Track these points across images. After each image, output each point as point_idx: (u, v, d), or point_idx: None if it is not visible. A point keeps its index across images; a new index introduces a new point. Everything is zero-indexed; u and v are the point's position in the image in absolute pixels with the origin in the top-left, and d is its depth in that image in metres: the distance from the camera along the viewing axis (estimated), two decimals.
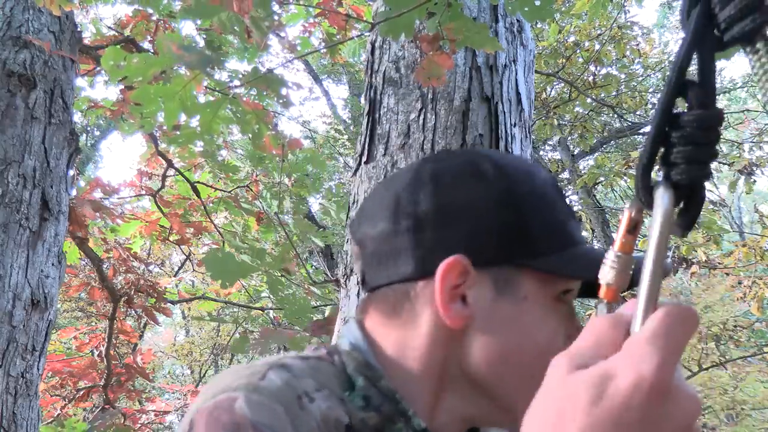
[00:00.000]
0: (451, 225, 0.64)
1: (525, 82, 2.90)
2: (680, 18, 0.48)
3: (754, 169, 6.91)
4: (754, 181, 6.91)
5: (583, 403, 0.39)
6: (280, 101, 1.74)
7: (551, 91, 8.59)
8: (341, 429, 0.59)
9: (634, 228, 0.48)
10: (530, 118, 2.95)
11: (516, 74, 2.82)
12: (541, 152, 10.72)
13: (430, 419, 0.65)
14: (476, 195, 0.64)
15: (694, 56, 0.48)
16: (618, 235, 0.49)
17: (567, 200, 0.70)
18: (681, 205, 0.48)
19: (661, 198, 0.46)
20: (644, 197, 0.47)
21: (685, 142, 0.47)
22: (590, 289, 0.68)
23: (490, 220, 0.63)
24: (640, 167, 0.48)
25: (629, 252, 0.49)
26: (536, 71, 5.79)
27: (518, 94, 2.80)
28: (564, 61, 7.61)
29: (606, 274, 0.49)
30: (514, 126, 2.70)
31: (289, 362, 0.63)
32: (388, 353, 0.66)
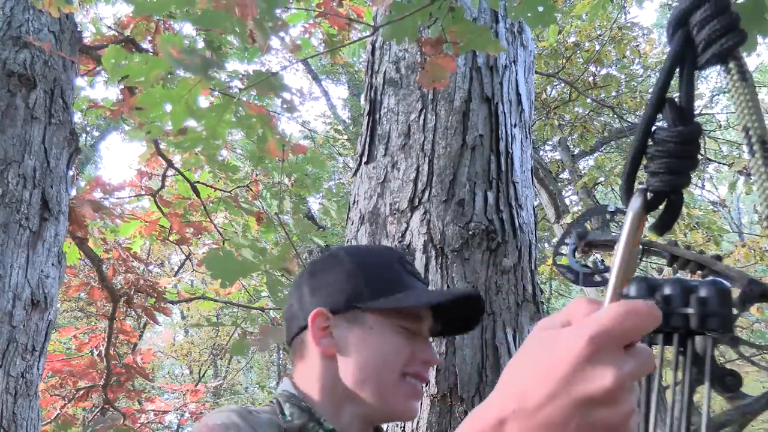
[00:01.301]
0: (319, 293, 1.03)
1: (525, 83, 2.90)
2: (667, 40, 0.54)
3: None
4: (754, 181, 6.90)
5: (533, 345, 0.52)
6: (284, 106, 1.74)
7: (551, 92, 8.60)
8: (281, 429, 0.94)
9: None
10: (530, 119, 2.95)
11: (516, 75, 2.82)
12: (541, 152, 10.72)
13: (336, 422, 0.97)
14: (332, 273, 1.03)
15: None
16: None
17: (405, 265, 1.07)
18: (662, 208, 0.55)
19: (634, 203, 0.54)
20: (626, 200, 0.55)
21: (665, 155, 0.53)
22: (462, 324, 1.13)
23: (340, 284, 1.02)
24: (624, 175, 0.56)
25: (635, 245, 0.55)
26: (536, 72, 5.79)
27: (518, 94, 2.80)
28: (564, 61, 7.62)
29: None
30: (515, 126, 2.70)
31: (246, 408, 0.98)
32: (304, 384, 1.01)
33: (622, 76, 8.42)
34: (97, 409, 4.91)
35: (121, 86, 4.28)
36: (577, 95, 7.80)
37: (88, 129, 14.04)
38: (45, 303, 2.98)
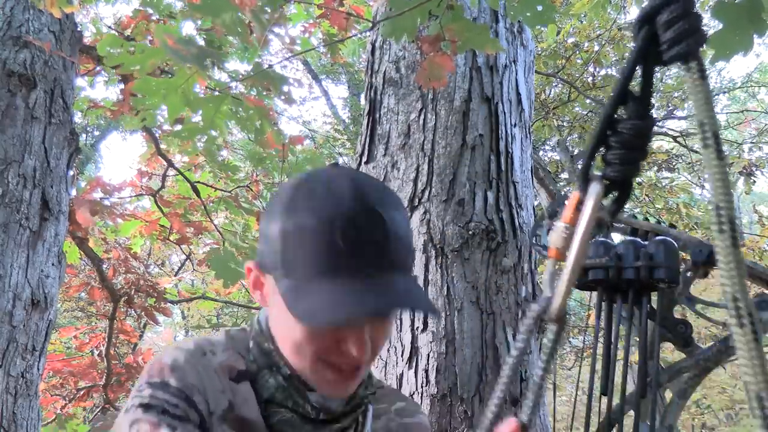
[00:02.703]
0: (260, 239, 0.91)
1: (525, 83, 2.90)
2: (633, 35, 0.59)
3: (754, 169, 6.91)
4: (754, 181, 6.91)
5: None
6: (283, 97, 1.74)
7: (550, 92, 8.59)
8: (234, 372, 0.90)
9: (578, 207, 0.61)
10: (530, 119, 2.95)
11: (516, 74, 2.82)
12: (541, 152, 10.71)
13: (294, 368, 0.89)
14: (268, 222, 0.88)
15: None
16: (566, 212, 0.62)
17: (348, 235, 0.80)
18: (614, 195, 0.61)
19: (593, 190, 0.59)
20: (583, 187, 0.60)
21: (621, 146, 0.58)
22: None
23: (273, 244, 0.85)
24: (583, 163, 0.61)
25: (574, 224, 0.61)
26: (536, 72, 5.79)
27: (518, 94, 2.80)
28: (563, 61, 7.62)
29: (556, 240, 0.63)
30: (515, 126, 2.70)
31: (213, 336, 0.96)
32: (271, 325, 0.93)
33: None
34: (98, 409, 4.91)
35: (121, 86, 4.28)
36: (576, 95, 7.80)
37: (88, 129, 14.04)
38: (45, 303, 2.98)
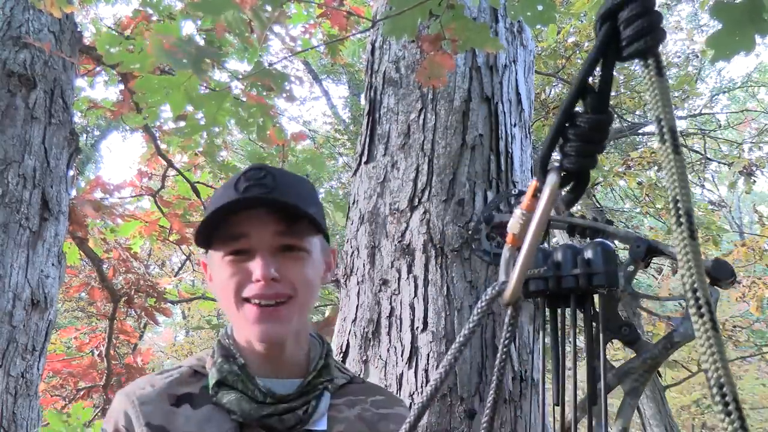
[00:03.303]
0: None
1: (525, 83, 2.90)
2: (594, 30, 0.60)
3: (754, 169, 6.91)
4: (754, 181, 6.91)
5: None
6: (284, 95, 1.74)
7: (551, 92, 8.59)
8: (173, 399, 1.00)
9: (536, 194, 0.63)
10: (530, 119, 2.94)
11: (516, 74, 2.82)
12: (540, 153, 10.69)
13: (247, 360, 1.03)
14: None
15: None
16: (525, 198, 0.64)
17: (242, 180, 1.00)
18: (570, 185, 0.62)
19: (551, 180, 0.61)
20: (541, 177, 0.62)
21: (578, 138, 0.60)
22: None
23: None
24: (541, 153, 0.62)
25: (531, 211, 0.63)
26: (536, 72, 5.79)
27: (518, 94, 2.79)
28: (564, 61, 7.62)
29: (513, 226, 0.65)
30: (515, 126, 2.70)
31: (200, 354, 1.11)
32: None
33: (621, 77, 8.42)
34: (98, 409, 4.91)
35: (121, 86, 4.28)
36: None
37: (88, 129, 14.03)
38: (45, 303, 2.98)
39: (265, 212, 0.99)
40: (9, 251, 2.84)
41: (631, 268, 1.55)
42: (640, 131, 9.82)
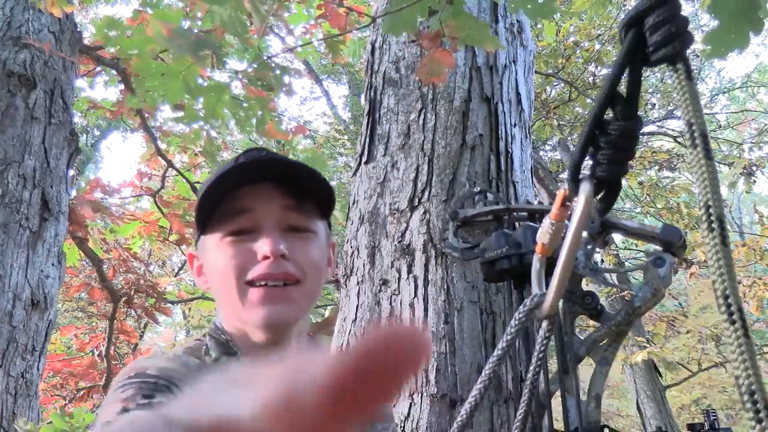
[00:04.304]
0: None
1: (525, 83, 2.90)
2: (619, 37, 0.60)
3: (754, 169, 6.91)
4: (754, 181, 6.91)
5: None
6: (284, 89, 1.74)
7: (551, 92, 8.59)
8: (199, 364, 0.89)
9: (564, 204, 0.62)
10: (530, 119, 2.94)
11: (516, 74, 2.82)
12: (541, 152, 10.71)
13: (247, 352, 0.92)
14: None
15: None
16: (553, 208, 0.63)
17: (236, 165, 0.89)
18: (602, 194, 0.61)
19: (585, 189, 0.60)
20: (573, 186, 0.61)
21: (609, 146, 0.59)
22: None
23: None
24: (572, 162, 0.62)
25: (561, 221, 0.63)
26: (536, 71, 5.78)
27: (518, 94, 2.79)
28: (564, 61, 7.61)
29: (542, 236, 0.65)
30: (515, 126, 2.70)
31: (173, 349, 0.94)
32: (222, 320, 0.95)
33: (623, 76, 8.40)
34: (98, 410, 4.91)
35: (121, 87, 4.28)
36: (576, 95, 7.79)
37: (88, 129, 14.03)
38: (45, 303, 2.98)
39: (271, 186, 0.90)
40: (9, 251, 2.84)
41: (589, 246, 1.57)
42: (641, 132, 9.79)
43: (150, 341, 14.46)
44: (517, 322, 0.73)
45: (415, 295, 2.24)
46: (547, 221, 0.67)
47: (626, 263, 8.77)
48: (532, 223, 1.66)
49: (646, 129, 9.27)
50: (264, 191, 0.90)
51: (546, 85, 8.26)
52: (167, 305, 5.24)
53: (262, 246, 0.87)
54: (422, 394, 2.10)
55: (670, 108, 9.00)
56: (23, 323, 2.83)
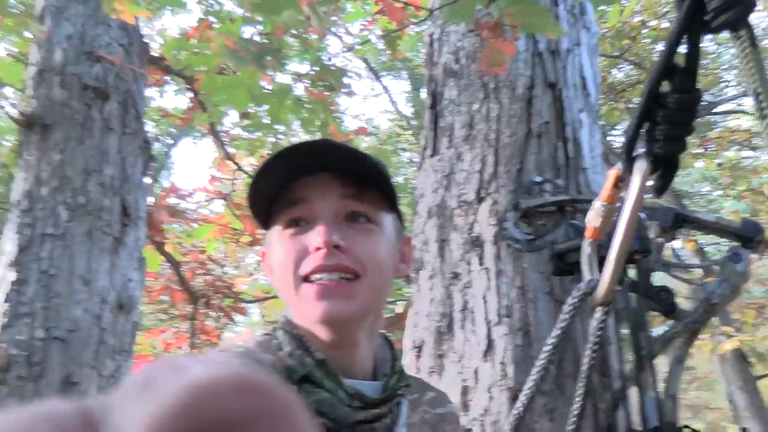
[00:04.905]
0: None
1: (590, 66, 2.82)
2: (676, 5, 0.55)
3: None
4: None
5: None
6: (344, 90, 1.76)
7: (618, 74, 8.33)
8: (282, 373, 0.83)
9: (617, 184, 0.59)
10: (597, 103, 2.86)
11: (580, 58, 2.74)
12: (609, 138, 10.40)
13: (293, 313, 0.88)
14: None
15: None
16: (605, 189, 0.60)
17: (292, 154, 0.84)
18: (659, 172, 0.58)
19: (641, 167, 0.57)
20: (627, 164, 0.58)
21: (665, 120, 0.56)
22: None
23: None
24: (627, 138, 0.59)
25: (613, 203, 0.60)
26: (601, 54, 5.61)
27: (583, 78, 2.72)
28: (630, 41, 7.36)
29: (593, 219, 0.63)
30: (581, 111, 2.63)
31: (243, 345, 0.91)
32: (294, 316, 0.89)
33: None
34: None
35: (190, 94, 4.42)
36: (645, 76, 7.52)
37: (160, 138, 14.56)
38: (130, 305, 3.12)
39: (329, 176, 0.85)
40: (95, 257, 2.99)
41: (660, 239, 1.51)
42: (714, 110, 9.38)
43: (230, 340, 14.90)
44: (569, 307, 0.70)
45: (488, 287, 2.21)
46: (597, 203, 0.64)
47: (707, 250, 8.41)
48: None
49: (722, 108, 8.86)
50: (321, 180, 0.85)
51: (612, 67, 8.02)
52: (243, 305, 5.39)
53: (315, 237, 0.82)
54: (501, 387, 2.07)
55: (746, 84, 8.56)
56: (111, 325, 2.98)
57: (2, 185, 7.90)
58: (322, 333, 0.84)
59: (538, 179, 2.28)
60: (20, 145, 3.34)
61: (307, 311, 0.82)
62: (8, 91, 4.29)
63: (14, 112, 3.49)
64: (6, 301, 2.84)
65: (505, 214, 2.14)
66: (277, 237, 0.86)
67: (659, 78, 0.55)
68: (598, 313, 0.66)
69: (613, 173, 0.59)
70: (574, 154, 2.49)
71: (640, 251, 1.41)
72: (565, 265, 1.60)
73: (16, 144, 3.43)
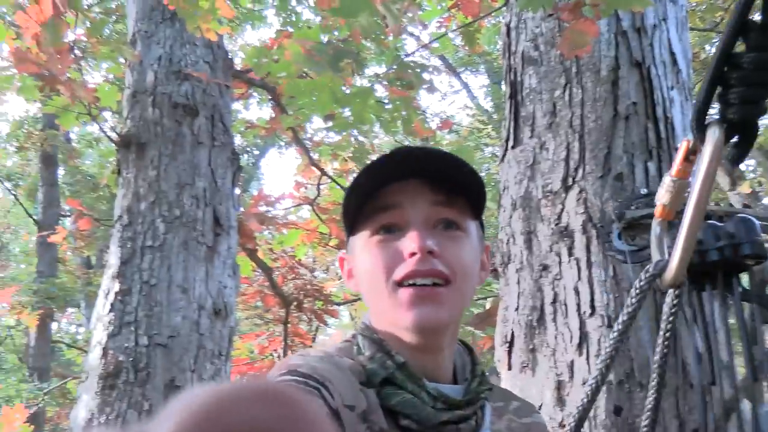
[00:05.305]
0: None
1: (679, 41, 2.67)
2: None
3: None
4: None
5: None
6: (424, 86, 1.74)
7: (711, 50, 7.88)
8: (363, 376, 0.84)
9: (689, 157, 0.53)
10: (689, 79, 2.71)
11: (668, 33, 2.60)
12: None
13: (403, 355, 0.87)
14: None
15: None
16: (675, 163, 0.55)
17: (383, 164, 0.88)
18: (735, 140, 0.51)
19: (713, 135, 0.51)
20: (698, 134, 0.52)
21: (741, 82, 0.50)
22: None
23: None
24: (697, 105, 0.53)
25: (684, 177, 0.54)
26: (691, 28, 5.31)
27: (672, 54, 2.58)
28: (723, 13, 6.94)
29: (662, 196, 0.56)
30: (672, 89, 2.50)
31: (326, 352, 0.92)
32: (373, 321, 0.92)
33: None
34: None
35: (272, 104, 4.54)
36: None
37: (248, 149, 15.09)
38: (225, 311, 3.24)
39: (419, 181, 0.86)
40: (191, 266, 3.13)
41: None
42: None
43: (323, 343, 15.23)
44: (637, 291, 0.64)
45: (579, 278, 2.14)
46: (667, 179, 0.56)
47: None
48: (712, 221, 1.50)
49: None
50: (412, 186, 0.86)
51: (705, 42, 7.60)
52: (334, 307, 5.49)
53: (410, 242, 0.83)
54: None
55: None
56: (209, 331, 3.11)
57: (107, 203, 8.42)
58: (409, 337, 0.85)
59: (644, 191, 2.17)
60: (119, 164, 3.54)
61: (399, 317, 0.84)
62: (107, 114, 4.57)
63: (113, 135, 3.71)
64: (111, 311, 3.02)
65: (610, 225, 2.05)
66: (365, 243, 0.88)
67: (733, 36, 0.49)
68: (669, 297, 0.61)
69: (683, 144, 0.52)
70: (667, 134, 2.37)
71: (752, 256, 1.32)
72: (706, 265, 1.49)
73: (115, 164, 3.64)
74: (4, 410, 2.99)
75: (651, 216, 1.99)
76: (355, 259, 0.90)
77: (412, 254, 0.83)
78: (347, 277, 0.95)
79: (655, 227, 0.58)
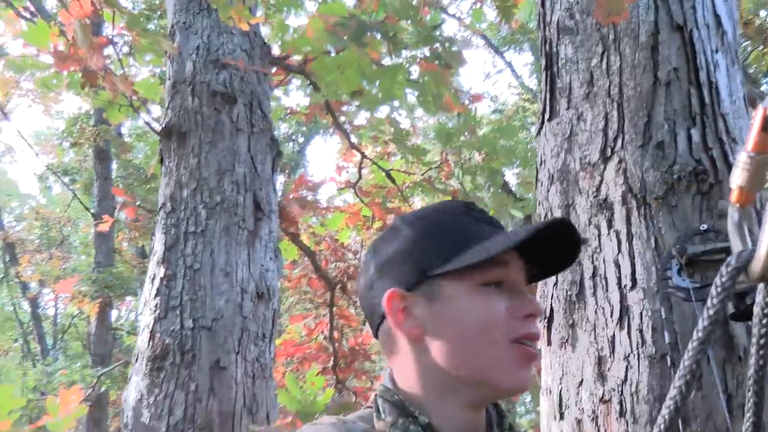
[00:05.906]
0: (386, 272, 0.90)
1: (724, 2, 2.56)
2: None
3: None
4: None
5: None
6: (454, 60, 1.72)
7: (766, 16, 7.52)
8: None
9: (765, 127, 0.43)
10: (735, 41, 2.59)
11: None
12: (764, 86, 9.43)
13: (440, 414, 0.85)
14: (392, 246, 0.90)
15: None
16: (751, 134, 0.44)
17: (473, 213, 0.91)
18: None
19: None
20: None
21: None
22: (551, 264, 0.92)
23: (405, 256, 0.89)
24: None
25: (764, 152, 0.44)
26: None
27: (717, 16, 2.47)
28: None
29: (737, 177, 0.45)
30: (716, 52, 2.39)
31: (341, 419, 0.90)
32: (400, 377, 0.89)
33: None
34: (330, 385, 5.33)
35: (310, 89, 4.56)
36: None
37: (293, 137, 15.24)
38: (268, 294, 3.30)
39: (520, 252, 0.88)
40: (233, 250, 3.19)
41: None
42: None
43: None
44: (720, 290, 0.54)
45: (619, 251, 2.09)
46: (743, 155, 0.46)
47: None
48: None
49: None
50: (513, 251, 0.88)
51: (761, 7, 7.25)
52: None
53: (530, 304, 0.85)
54: (638, 355, 1.95)
55: None
56: (252, 313, 3.17)
57: (153, 193, 8.64)
58: (488, 394, 0.87)
59: (704, 227, 2.08)
60: (161, 154, 3.62)
61: (506, 372, 0.84)
62: (153, 107, 4.67)
63: (156, 126, 3.79)
64: (158, 296, 3.11)
65: (668, 261, 1.98)
66: (464, 290, 0.86)
67: None
68: (761, 295, 0.50)
69: (759, 113, 0.42)
70: (711, 100, 2.27)
71: None
72: (747, 307, 1.38)
73: (158, 153, 3.73)
74: (62, 392, 3.12)
75: (712, 252, 1.89)
76: (449, 305, 0.86)
77: (530, 316, 0.85)
78: (401, 319, 0.88)
79: (733, 213, 0.48)
